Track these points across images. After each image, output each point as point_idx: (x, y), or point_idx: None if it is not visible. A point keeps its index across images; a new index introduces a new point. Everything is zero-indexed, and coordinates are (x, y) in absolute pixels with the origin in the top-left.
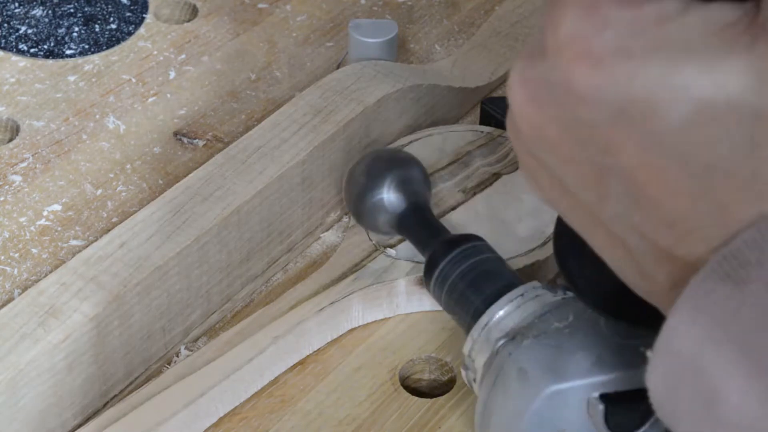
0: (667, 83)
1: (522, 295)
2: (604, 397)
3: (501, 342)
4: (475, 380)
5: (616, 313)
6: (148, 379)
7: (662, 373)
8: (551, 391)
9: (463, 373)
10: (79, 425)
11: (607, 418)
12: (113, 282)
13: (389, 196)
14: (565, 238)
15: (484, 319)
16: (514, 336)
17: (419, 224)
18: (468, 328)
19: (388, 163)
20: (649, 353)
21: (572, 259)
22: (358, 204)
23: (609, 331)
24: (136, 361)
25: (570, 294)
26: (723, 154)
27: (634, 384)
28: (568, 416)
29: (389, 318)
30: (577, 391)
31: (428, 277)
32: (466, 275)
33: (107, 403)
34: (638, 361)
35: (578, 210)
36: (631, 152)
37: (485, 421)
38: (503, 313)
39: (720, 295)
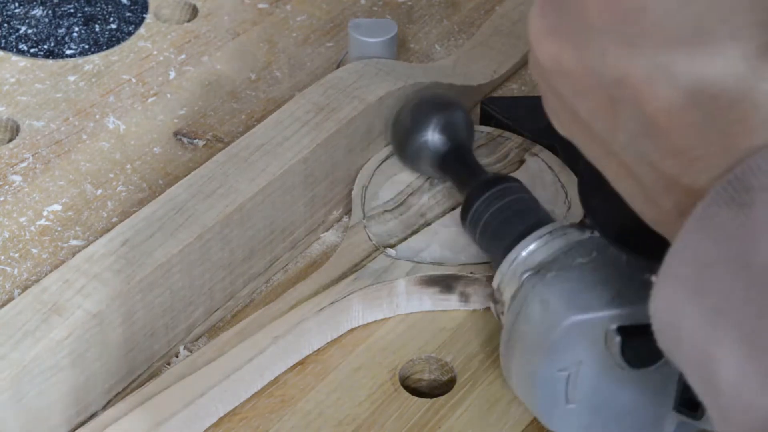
0: (679, 15)
1: (550, 232)
2: (621, 330)
3: (526, 275)
4: (502, 313)
5: (635, 248)
6: (151, 377)
7: (665, 298)
8: (571, 323)
9: (491, 306)
10: (82, 423)
11: (624, 351)
12: (116, 279)
13: (434, 137)
14: (588, 176)
15: (512, 254)
16: (538, 270)
17: (459, 165)
18: (499, 265)
19: (434, 105)
20: (654, 279)
21: (594, 197)
22: (403, 144)
23: (630, 268)
24: (139, 358)
25: (597, 233)
26: (728, 85)
27: None
28: (586, 347)
29: (389, 318)
30: (595, 323)
31: (464, 215)
32: (498, 214)
33: (111, 400)
34: None
35: (593, 141)
36: (640, 83)
37: (509, 351)
38: (531, 249)
39: (724, 218)
